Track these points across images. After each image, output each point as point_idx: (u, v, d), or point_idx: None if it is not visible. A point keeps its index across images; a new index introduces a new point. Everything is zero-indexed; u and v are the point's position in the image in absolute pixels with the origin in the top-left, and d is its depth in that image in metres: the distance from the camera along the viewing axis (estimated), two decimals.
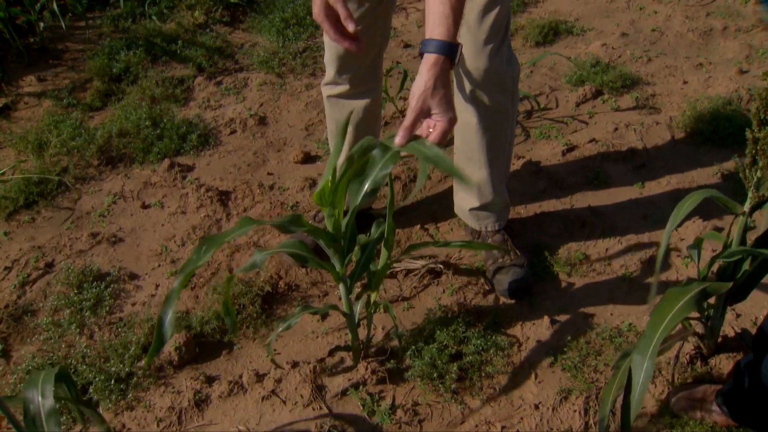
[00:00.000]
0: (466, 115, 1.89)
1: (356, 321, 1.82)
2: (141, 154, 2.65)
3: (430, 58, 1.33)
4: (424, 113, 1.34)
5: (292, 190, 2.50)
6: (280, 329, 1.76)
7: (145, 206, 2.47)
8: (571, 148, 2.59)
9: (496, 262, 2.09)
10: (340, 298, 2.06)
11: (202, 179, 2.56)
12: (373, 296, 1.84)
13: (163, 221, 2.40)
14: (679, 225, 2.26)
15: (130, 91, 2.95)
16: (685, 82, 2.88)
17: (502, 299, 2.06)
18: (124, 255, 2.29)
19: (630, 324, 1.97)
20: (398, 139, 1.33)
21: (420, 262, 2.16)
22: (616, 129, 2.66)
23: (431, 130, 1.34)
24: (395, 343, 1.95)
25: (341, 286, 1.71)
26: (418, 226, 2.32)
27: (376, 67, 2.01)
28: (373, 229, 1.82)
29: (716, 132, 2.55)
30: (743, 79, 2.85)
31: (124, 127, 2.73)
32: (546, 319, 1.99)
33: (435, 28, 1.35)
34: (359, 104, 2.01)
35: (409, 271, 2.16)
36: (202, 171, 2.61)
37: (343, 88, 1.99)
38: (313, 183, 2.51)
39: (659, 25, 3.30)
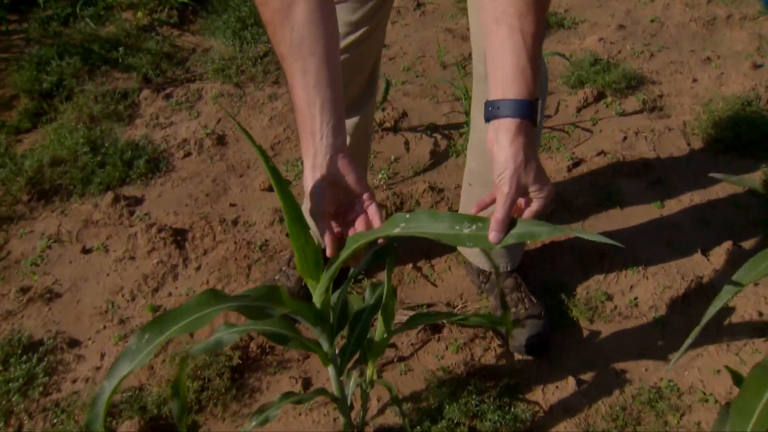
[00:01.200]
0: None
1: (349, 404, 1.49)
2: (79, 186, 2.25)
3: (511, 126, 1.02)
4: (520, 194, 1.04)
5: (260, 224, 2.14)
6: (254, 424, 1.42)
7: (86, 251, 2.09)
8: (577, 163, 2.27)
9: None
10: (328, 378, 1.72)
11: (153, 215, 2.19)
12: (369, 372, 1.50)
13: (108, 269, 2.02)
14: (707, 249, 1.97)
15: (65, 109, 2.54)
16: (694, 80, 2.58)
17: (517, 355, 1.75)
18: (62, 315, 1.91)
19: (670, 382, 1.67)
20: (494, 236, 1.00)
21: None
22: (625, 138, 2.35)
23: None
24: (397, 419, 1.62)
25: (330, 368, 1.38)
26: (410, 266, 1.99)
27: (373, 81, 1.66)
28: (367, 294, 1.48)
29: (738, 138, 2.27)
30: (759, 75, 2.57)
31: (58, 154, 2.33)
32: (571, 381, 1.68)
33: (509, 84, 1.03)
34: (350, 123, 1.67)
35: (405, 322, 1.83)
36: (152, 204, 2.23)
37: None
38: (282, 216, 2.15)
39: (658, 14, 3.00)
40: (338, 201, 1.11)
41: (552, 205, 1.08)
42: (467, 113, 2.40)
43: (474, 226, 1.03)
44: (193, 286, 1.97)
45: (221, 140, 2.45)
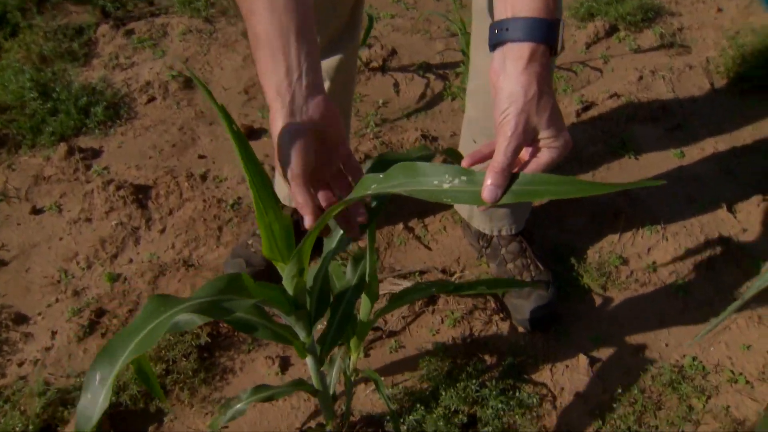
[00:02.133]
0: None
1: (332, 396, 1.29)
2: (29, 137, 2.00)
3: (522, 51, 0.79)
4: (528, 140, 0.80)
5: (232, 179, 1.90)
6: (225, 420, 1.23)
7: (36, 211, 1.85)
8: (588, 106, 2.03)
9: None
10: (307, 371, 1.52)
11: (113, 169, 1.94)
12: (353, 360, 1.30)
13: (62, 233, 1.80)
14: (734, 204, 1.76)
15: (9, 48, 2.25)
16: (719, 10, 2.32)
17: (521, 328, 1.55)
18: (8, 286, 1.69)
19: (694, 359, 1.48)
20: (489, 191, 0.76)
21: (407, 283, 1.62)
22: (641, 78, 2.10)
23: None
24: (384, 407, 1.43)
25: (309, 359, 1.17)
26: (401, 225, 1.77)
27: (357, 10, 1.41)
28: (348, 271, 1.26)
29: None
30: None
31: (2, 99, 2.06)
32: (582, 360, 1.48)
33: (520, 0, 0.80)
34: (329, 64, 1.42)
35: (394, 296, 1.62)
36: (111, 157, 1.98)
37: None
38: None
39: None
40: (319, 158, 0.88)
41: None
42: (464, 51, 2.14)
43: (457, 180, 0.79)
44: (157, 251, 1.75)
45: (189, 83, 2.19)
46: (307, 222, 0.89)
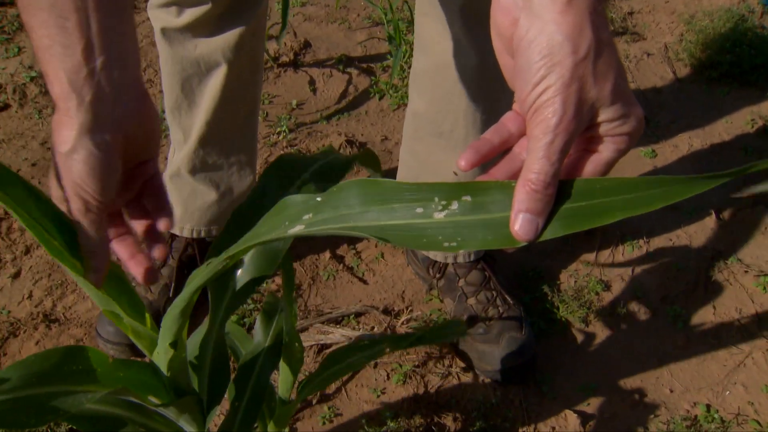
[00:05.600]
0: (451, 54, 1.00)
1: None
2: None
3: None
4: (582, 127, 0.45)
5: None
6: None
7: None
8: None
9: (473, 321, 1.22)
10: None
11: None
12: None
13: None
14: (722, 210, 1.49)
15: None
16: None
17: (487, 380, 1.21)
18: None
19: (708, 408, 1.17)
20: (525, 227, 0.44)
21: (341, 331, 1.26)
22: None
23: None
24: None
25: None
26: (327, 254, 1.41)
27: None
28: (257, 329, 0.88)
29: (738, 64, 1.77)
30: None
31: None
32: (572, 418, 1.15)
33: None
34: (227, 41, 1.03)
35: (323, 347, 1.26)
36: None
37: (197, 11, 1.00)
38: None
39: None
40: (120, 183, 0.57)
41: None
42: (391, 37, 1.80)
43: (456, 205, 0.46)
44: (8, 303, 1.32)
45: None
46: (95, 280, 0.56)
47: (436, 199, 0.46)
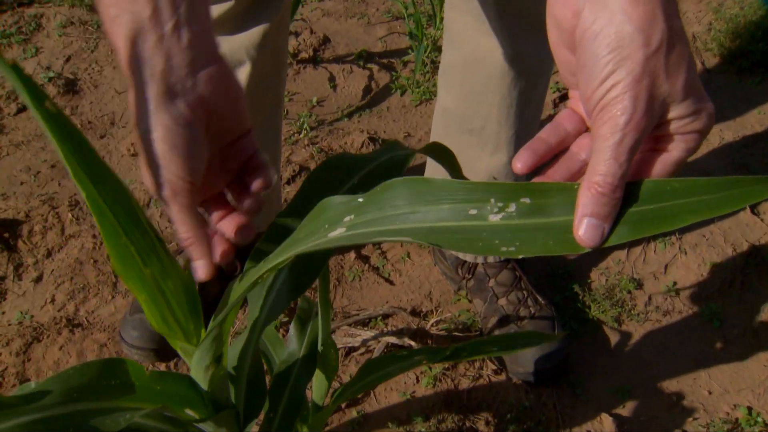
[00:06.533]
0: (483, 48, 0.96)
1: None
2: None
3: None
4: (653, 125, 0.42)
5: None
6: None
7: None
8: (565, 95, 1.69)
9: (504, 322, 1.20)
10: None
11: None
12: None
13: None
14: (757, 204, 1.44)
15: None
16: None
17: (518, 380, 1.18)
18: None
19: (750, 411, 1.14)
20: (591, 232, 0.41)
21: (369, 333, 1.23)
22: None
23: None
24: None
25: None
26: (353, 254, 1.38)
27: None
28: (292, 337, 0.86)
29: None
30: None
31: None
32: (607, 421, 1.12)
33: None
34: (250, 39, 1.00)
35: (351, 350, 1.23)
36: None
37: (220, 7, 0.97)
38: None
39: None
40: (211, 162, 0.52)
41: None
42: (412, 33, 1.77)
43: (514, 207, 0.43)
44: (31, 307, 1.31)
45: (72, 87, 1.74)
46: (200, 271, 0.52)
47: (492, 201, 0.43)
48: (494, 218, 0.43)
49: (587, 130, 0.48)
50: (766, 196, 0.40)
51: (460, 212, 0.44)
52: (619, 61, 0.40)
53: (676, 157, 0.44)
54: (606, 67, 0.41)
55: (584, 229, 0.40)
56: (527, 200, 0.43)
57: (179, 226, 0.50)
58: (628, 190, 0.42)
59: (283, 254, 0.51)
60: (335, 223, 0.48)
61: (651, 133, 0.43)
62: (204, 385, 0.64)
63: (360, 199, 0.47)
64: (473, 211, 0.43)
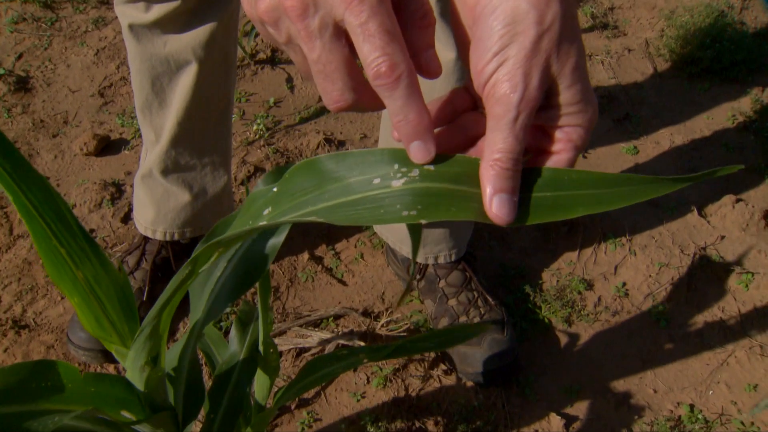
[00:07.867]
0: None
1: None
2: None
3: None
4: (539, 103, 0.42)
5: (82, 206, 1.45)
6: None
7: None
8: None
9: (454, 322, 1.20)
10: None
11: None
12: None
13: None
14: (704, 206, 1.48)
15: None
16: None
17: (468, 381, 1.19)
18: None
19: (692, 408, 1.16)
20: (501, 207, 0.41)
21: (319, 334, 1.23)
22: None
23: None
24: None
25: None
26: (306, 254, 1.38)
27: None
28: (233, 337, 0.85)
29: (718, 59, 1.76)
30: None
31: None
32: (555, 420, 1.14)
33: None
34: (197, 38, 1.00)
35: (301, 350, 1.23)
36: None
37: (166, 6, 0.96)
38: (118, 190, 1.48)
39: None
40: None
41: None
42: None
43: (417, 172, 0.43)
44: None
45: (23, 84, 1.71)
46: (423, 153, 0.43)
47: (396, 166, 0.43)
48: (397, 183, 0.42)
49: (475, 108, 0.48)
50: (651, 196, 0.41)
51: (365, 183, 0.43)
52: (512, 36, 0.40)
53: (566, 158, 0.44)
54: (499, 41, 0.41)
55: (497, 206, 0.40)
56: (431, 167, 0.43)
57: (408, 108, 0.42)
58: (527, 176, 0.42)
59: (199, 249, 0.50)
60: (257, 218, 0.47)
61: (537, 120, 0.43)
62: (140, 386, 0.63)
63: (274, 189, 0.47)
64: (377, 180, 0.43)
